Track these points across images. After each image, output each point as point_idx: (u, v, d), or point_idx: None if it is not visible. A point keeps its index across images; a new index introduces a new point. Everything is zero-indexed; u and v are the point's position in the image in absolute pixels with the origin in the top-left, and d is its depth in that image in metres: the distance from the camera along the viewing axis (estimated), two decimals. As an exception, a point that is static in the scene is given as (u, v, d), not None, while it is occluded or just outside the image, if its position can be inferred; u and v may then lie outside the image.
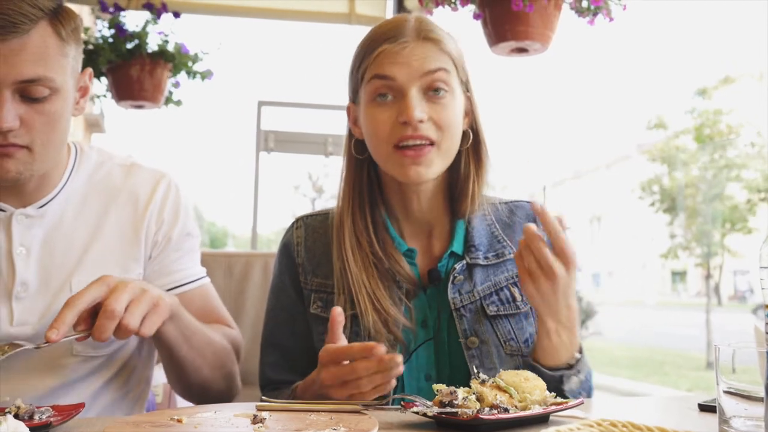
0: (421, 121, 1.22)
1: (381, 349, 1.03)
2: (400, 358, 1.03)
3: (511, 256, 1.33)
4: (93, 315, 1.08)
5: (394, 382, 1.07)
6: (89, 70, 1.31)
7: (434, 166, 1.25)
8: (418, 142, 1.23)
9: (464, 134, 1.32)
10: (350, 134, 1.35)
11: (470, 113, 1.34)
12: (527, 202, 1.41)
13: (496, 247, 1.35)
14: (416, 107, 1.22)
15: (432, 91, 1.24)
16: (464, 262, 1.31)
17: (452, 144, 1.28)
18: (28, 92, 1.16)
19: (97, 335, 1.06)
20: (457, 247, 1.33)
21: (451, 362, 1.30)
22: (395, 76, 1.23)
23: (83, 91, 1.30)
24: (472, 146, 1.34)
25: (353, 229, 1.31)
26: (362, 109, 1.29)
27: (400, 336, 1.27)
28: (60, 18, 1.20)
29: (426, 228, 1.36)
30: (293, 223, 1.41)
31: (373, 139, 1.27)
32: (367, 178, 1.34)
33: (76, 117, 1.32)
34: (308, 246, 1.37)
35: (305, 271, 1.35)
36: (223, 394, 1.37)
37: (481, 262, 1.32)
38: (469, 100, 1.33)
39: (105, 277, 1.09)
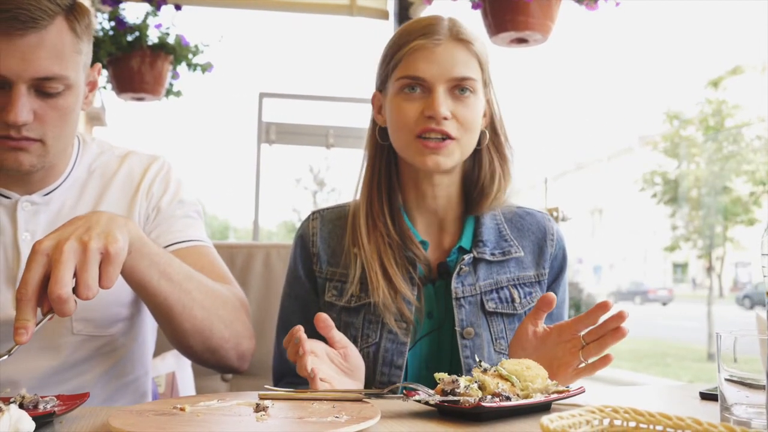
0: (445, 118, 1.26)
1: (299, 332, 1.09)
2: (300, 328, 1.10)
3: (516, 255, 1.36)
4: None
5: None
6: (98, 65, 1.33)
7: (453, 156, 1.29)
8: (440, 136, 1.27)
9: (482, 133, 1.35)
10: (374, 123, 1.39)
11: (488, 113, 1.37)
12: (539, 212, 1.43)
13: (502, 245, 1.36)
14: (442, 104, 1.26)
15: (458, 90, 1.28)
16: (472, 255, 1.33)
17: (471, 141, 1.32)
18: (42, 87, 1.17)
19: (62, 316, 0.98)
20: (466, 242, 1.35)
21: (452, 355, 1.32)
22: (425, 77, 1.27)
23: (92, 85, 1.32)
24: (494, 144, 1.38)
25: (370, 211, 1.35)
26: (389, 98, 1.33)
27: (407, 313, 1.28)
28: (75, 14, 1.21)
29: (438, 223, 1.39)
30: (309, 216, 1.44)
31: (397, 127, 1.31)
32: (386, 167, 1.38)
33: (84, 111, 1.33)
34: (323, 236, 1.39)
35: (320, 260, 1.38)
36: (232, 345, 1.28)
37: (487, 257, 1.34)
38: (489, 100, 1.36)
39: (37, 246, 0.97)
